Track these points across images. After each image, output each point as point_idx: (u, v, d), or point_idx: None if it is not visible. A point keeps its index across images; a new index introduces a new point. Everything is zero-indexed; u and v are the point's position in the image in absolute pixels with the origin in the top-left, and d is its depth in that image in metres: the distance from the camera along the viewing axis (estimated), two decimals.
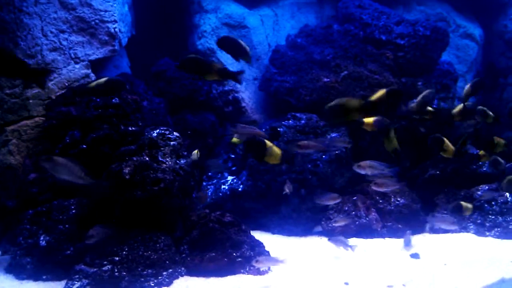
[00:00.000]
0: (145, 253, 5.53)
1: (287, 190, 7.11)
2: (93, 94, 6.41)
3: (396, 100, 4.37)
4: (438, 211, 8.07)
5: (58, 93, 7.46)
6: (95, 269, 5.33)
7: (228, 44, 5.31)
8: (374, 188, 6.59)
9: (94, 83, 6.01)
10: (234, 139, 7.17)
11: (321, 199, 7.05)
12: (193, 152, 6.57)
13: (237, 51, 5.31)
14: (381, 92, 4.33)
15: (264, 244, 6.26)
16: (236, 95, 10.00)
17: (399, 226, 7.77)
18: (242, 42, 5.30)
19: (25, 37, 7.37)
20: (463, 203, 6.70)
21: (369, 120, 5.82)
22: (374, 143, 8.76)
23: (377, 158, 8.37)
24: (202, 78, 5.10)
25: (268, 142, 5.09)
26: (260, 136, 5.84)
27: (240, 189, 8.12)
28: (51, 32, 7.58)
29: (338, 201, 7.15)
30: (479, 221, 7.68)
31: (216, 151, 9.25)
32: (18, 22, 7.33)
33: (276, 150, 5.08)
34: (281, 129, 8.30)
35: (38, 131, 7.31)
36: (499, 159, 7.40)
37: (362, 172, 6.30)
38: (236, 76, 5.04)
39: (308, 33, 9.92)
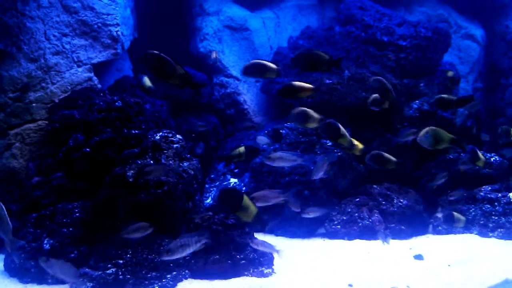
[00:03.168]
0: (149, 256, 5.54)
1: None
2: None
3: None
4: (441, 211, 8.06)
5: (61, 97, 7.48)
6: (99, 272, 5.34)
7: None
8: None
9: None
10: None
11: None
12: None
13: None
14: None
15: None
16: (238, 97, 10.01)
17: (402, 227, 7.77)
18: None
19: (28, 41, 7.41)
20: (455, 213, 6.71)
21: None
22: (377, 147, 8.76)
23: None
24: (162, 80, 4.34)
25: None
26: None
27: (243, 191, 8.13)
28: (54, 36, 7.60)
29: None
30: (482, 222, 7.67)
31: (219, 154, 9.26)
32: (21, 26, 7.37)
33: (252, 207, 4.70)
34: (283, 131, 8.30)
35: (41, 134, 7.33)
36: (383, 154, 6.24)
37: (272, 164, 5.86)
38: (197, 87, 4.48)
39: (309, 35, 9.93)
